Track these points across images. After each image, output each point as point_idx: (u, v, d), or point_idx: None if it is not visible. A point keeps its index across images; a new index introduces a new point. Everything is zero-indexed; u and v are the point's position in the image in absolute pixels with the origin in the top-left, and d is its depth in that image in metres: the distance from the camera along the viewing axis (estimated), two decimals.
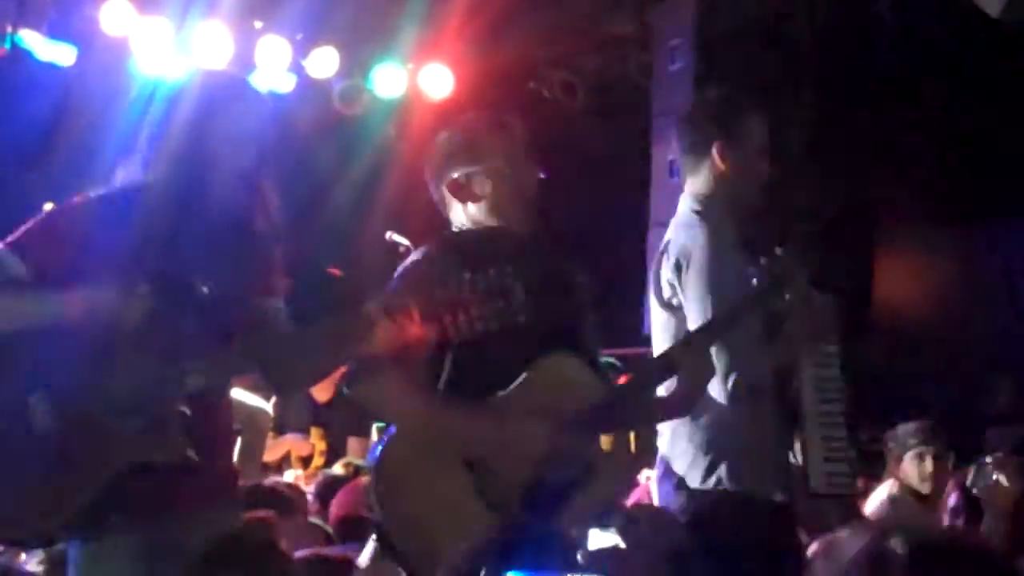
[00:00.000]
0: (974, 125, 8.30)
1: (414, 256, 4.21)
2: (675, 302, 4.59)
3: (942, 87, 8.30)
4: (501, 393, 3.96)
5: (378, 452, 3.99)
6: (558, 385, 4.00)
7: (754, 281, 4.40)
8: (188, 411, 3.71)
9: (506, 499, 3.85)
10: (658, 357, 4.27)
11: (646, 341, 5.01)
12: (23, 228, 3.93)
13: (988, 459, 6.19)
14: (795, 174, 4.79)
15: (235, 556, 3.52)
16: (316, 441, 8.78)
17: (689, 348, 4.16)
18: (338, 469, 7.85)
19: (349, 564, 4.93)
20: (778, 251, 4.45)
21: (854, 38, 8.43)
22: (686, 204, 4.78)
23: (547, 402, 3.95)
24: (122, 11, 8.45)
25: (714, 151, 4.70)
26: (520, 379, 3.97)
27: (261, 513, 4.39)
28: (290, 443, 8.84)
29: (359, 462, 8.05)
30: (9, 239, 3.87)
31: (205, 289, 3.82)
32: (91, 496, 3.66)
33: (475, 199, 4.22)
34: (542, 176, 4.29)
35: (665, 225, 4.98)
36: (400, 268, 4.21)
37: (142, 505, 3.71)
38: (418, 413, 3.96)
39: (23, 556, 5.38)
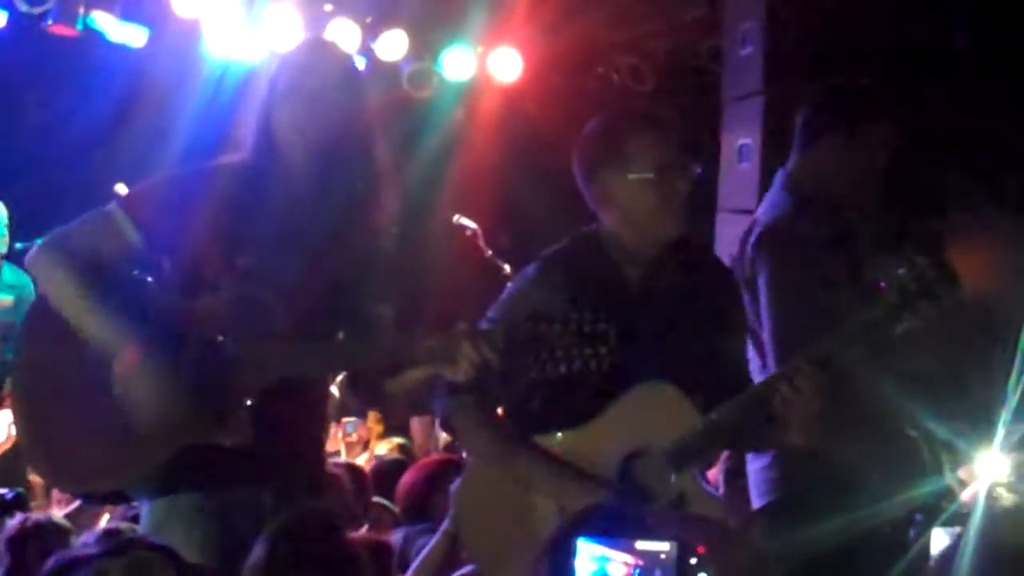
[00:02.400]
0: None
1: (522, 275, 4.15)
2: (757, 283, 4.49)
3: (1014, 74, 8.20)
4: (592, 421, 3.94)
5: (463, 475, 4.14)
6: (647, 416, 3.92)
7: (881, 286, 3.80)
8: (257, 402, 3.73)
9: None
10: (750, 391, 3.97)
11: None
12: (133, 195, 3.98)
13: None
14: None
15: (298, 540, 3.53)
16: (373, 425, 8.79)
17: (780, 381, 3.85)
18: (383, 449, 7.88)
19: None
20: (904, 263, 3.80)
21: (925, 22, 8.35)
22: (780, 179, 4.69)
23: (635, 433, 3.91)
24: None
25: (827, 140, 4.62)
26: (609, 409, 3.94)
27: (326, 501, 4.44)
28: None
29: (404, 441, 8.08)
30: (121, 202, 3.91)
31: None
32: (162, 460, 3.70)
33: (617, 208, 4.05)
34: (698, 171, 4.08)
35: (734, 211, 4.94)
36: (507, 287, 4.16)
37: (209, 474, 3.74)
38: (497, 455, 4.00)
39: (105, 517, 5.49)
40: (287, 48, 4.19)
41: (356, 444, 8.43)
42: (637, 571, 3.16)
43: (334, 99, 3.88)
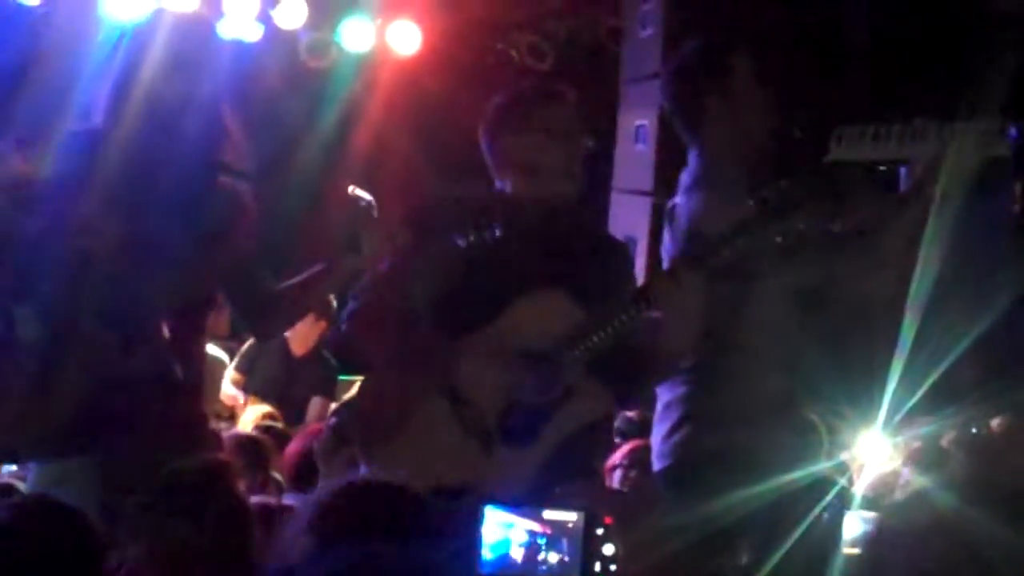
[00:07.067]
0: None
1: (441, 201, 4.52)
2: None
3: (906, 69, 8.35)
4: (490, 324, 4.14)
5: (358, 386, 4.20)
6: (541, 317, 4.14)
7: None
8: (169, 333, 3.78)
9: (483, 428, 4.06)
10: (639, 289, 4.23)
11: None
12: None
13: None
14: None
15: (181, 487, 3.53)
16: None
17: (674, 280, 4.08)
18: (251, 417, 7.85)
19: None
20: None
21: (824, 13, 8.45)
22: (693, 166, 4.72)
23: (530, 332, 4.12)
24: None
25: (710, 104, 4.66)
26: (506, 312, 4.14)
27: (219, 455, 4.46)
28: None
29: (272, 409, 8.05)
30: None
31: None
32: (64, 417, 3.70)
33: (517, 167, 4.31)
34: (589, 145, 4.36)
35: (629, 192, 4.96)
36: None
37: (111, 427, 3.75)
38: (402, 344, 4.15)
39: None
40: (140, 20, 4.26)
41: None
42: (544, 539, 3.24)
43: (186, 71, 4.00)
